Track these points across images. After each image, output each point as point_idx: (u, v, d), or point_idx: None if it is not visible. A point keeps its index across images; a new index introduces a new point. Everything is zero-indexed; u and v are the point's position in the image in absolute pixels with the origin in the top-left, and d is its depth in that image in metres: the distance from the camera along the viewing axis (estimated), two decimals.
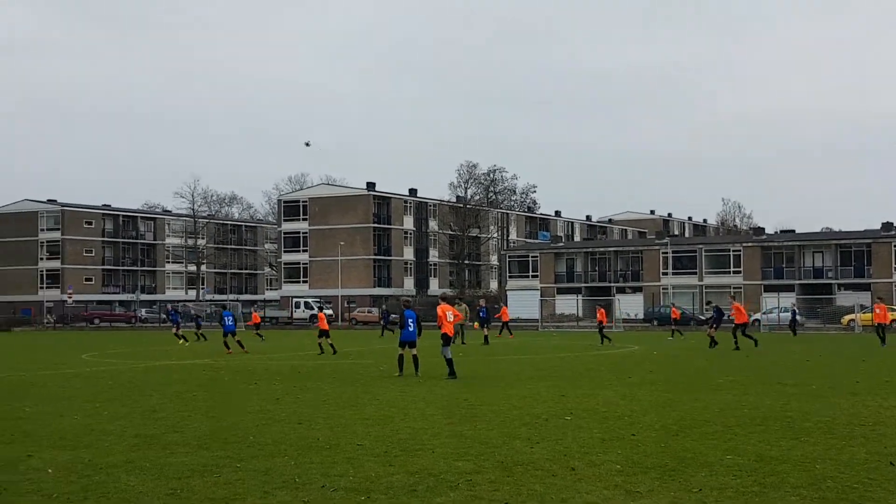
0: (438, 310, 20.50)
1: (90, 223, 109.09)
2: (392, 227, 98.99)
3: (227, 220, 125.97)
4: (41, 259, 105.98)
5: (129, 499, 7.78)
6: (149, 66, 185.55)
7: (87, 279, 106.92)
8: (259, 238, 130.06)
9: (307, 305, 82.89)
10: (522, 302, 77.69)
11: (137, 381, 20.57)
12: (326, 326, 32.54)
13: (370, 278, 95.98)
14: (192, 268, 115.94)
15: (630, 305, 73.80)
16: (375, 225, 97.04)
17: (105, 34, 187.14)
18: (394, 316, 48.93)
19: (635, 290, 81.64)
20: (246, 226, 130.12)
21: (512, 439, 10.88)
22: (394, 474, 8.78)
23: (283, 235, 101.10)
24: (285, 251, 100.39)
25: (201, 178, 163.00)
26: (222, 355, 30.24)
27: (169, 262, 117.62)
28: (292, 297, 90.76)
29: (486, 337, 37.81)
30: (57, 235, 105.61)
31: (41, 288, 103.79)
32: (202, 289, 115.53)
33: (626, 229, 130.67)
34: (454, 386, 17.99)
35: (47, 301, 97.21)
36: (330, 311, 75.64)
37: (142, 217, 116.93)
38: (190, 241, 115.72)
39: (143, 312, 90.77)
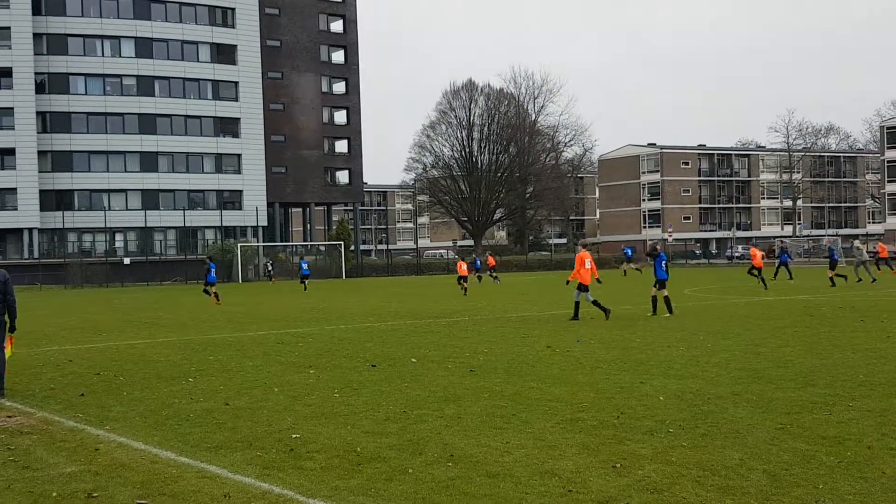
0: (577, 257, 20.52)
1: (686, 164, 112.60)
2: None
3: (823, 151, 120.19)
4: (643, 200, 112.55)
5: (739, 430, 7.86)
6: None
7: (685, 218, 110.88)
8: (859, 169, 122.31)
9: None
10: None
11: (737, 314, 20.77)
12: (761, 264, 30.55)
13: None
14: (788, 203, 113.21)
15: None
16: None
17: None
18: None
19: None
20: (844, 156, 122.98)
21: None
22: None
23: (886, 164, 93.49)
24: (889, 181, 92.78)
25: (796, 111, 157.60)
26: (823, 291, 29.05)
27: (764, 199, 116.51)
28: None
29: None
30: (657, 177, 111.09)
31: (643, 227, 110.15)
32: (798, 224, 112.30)
33: None
34: None
35: (649, 240, 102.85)
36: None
37: (736, 154, 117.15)
38: (785, 176, 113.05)
39: (739, 250, 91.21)
